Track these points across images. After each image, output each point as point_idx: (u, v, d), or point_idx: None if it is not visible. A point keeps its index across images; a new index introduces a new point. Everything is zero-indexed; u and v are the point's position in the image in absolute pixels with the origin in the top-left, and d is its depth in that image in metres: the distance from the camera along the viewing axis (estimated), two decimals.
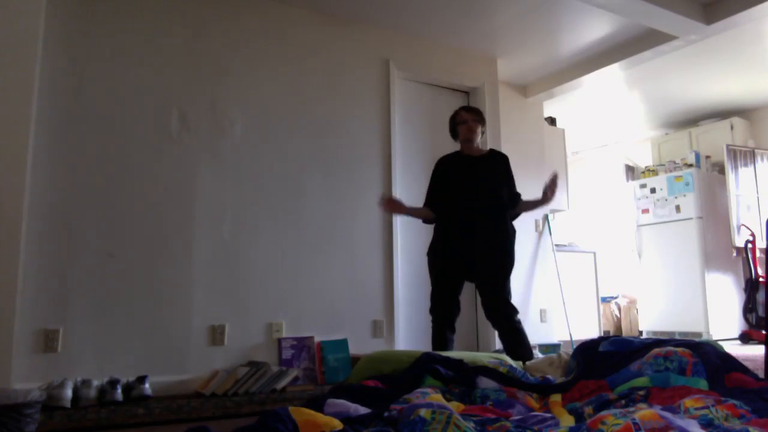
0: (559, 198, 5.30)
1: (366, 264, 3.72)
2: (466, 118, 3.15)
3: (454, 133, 3.26)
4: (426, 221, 3.25)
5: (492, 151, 3.27)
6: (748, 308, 5.28)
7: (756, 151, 5.89)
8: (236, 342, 3.22)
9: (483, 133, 3.23)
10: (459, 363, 2.41)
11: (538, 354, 3.75)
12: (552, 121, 5.58)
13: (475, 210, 3.04)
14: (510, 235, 3.09)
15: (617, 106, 5.96)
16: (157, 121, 3.19)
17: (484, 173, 3.12)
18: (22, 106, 2.61)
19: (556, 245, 5.05)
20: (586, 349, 2.46)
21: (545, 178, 4.97)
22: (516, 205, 3.19)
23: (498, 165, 3.17)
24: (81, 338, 2.84)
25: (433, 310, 3.09)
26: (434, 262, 3.11)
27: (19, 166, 2.57)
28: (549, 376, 2.44)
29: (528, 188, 4.90)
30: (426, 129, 4.21)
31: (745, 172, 5.80)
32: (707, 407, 1.59)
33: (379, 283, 3.75)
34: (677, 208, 5.75)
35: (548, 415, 1.81)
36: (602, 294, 5.74)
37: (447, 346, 3.03)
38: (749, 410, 1.58)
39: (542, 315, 4.72)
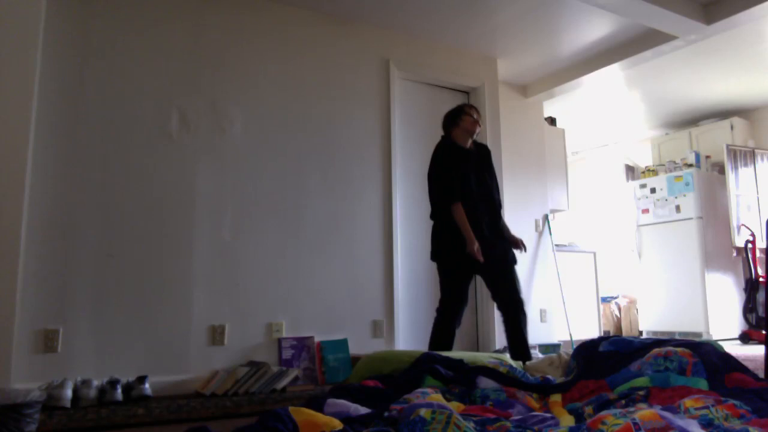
0: (560, 198, 5.31)
1: (366, 264, 3.72)
2: (475, 114, 3.21)
3: (454, 121, 3.21)
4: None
5: (479, 144, 3.32)
6: (748, 308, 5.28)
7: (756, 151, 5.89)
8: (236, 342, 3.22)
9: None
10: (459, 363, 2.42)
11: (538, 354, 3.75)
12: (552, 121, 5.58)
13: (484, 202, 3.12)
14: (505, 227, 3.26)
15: (617, 106, 5.96)
16: (157, 121, 3.19)
17: (483, 168, 3.21)
18: (22, 106, 2.61)
19: (556, 245, 5.05)
20: (586, 349, 2.46)
21: (545, 179, 5.03)
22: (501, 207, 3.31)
23: (488, 160, 3.29)
24: (81, 338, 2.84)
25: (450, 307, 3.06)
26: (458, 257, 3.05)
27: (19, 166, 2.58)
28: (549, 376, 2.44)
29: (529, 188, 4.94)
30: (426, 129, 4.21)
31: (745, 172, 5.80)
32: (707, 407, 1.59)
33: (379, 283, 3.75)
34: (677, 208, 5.75)
35: (548, 415, 1.81)
36: (602, 294, 5.74)
37: (452, 342, 3.07)
38: (749, 410, 1.58)
39: (542, 315, 4.72)
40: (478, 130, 3.23)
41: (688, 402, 1.65)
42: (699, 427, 1.42)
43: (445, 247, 3.11)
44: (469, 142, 3.24)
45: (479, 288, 4.19)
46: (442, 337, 3.06)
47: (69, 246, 2.88)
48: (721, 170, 5.86)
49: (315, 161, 3.65)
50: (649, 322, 5.88)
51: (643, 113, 6.21)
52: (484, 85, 4.44)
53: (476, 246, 2.98)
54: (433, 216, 3.20)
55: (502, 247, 3.11)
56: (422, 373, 2.29)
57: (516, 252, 3.18)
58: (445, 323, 3.06)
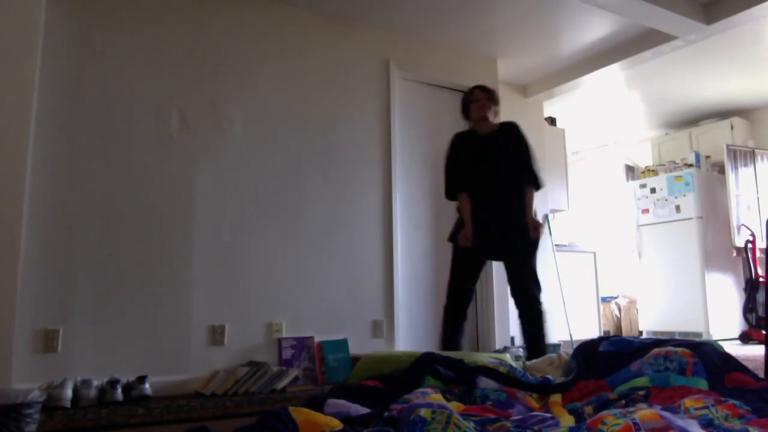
0: (560, 198, 5.31)
1: (366, 264, 3.72)
2: (479, 97, 3.21)
3: (466, 112, 3.28)
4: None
5: (501, 125, 3.25)
6: (748, 308, 5.28)
7: (756, 151, 5.89)
8: (236, 342, 3.22)
9: (497, 113, 3.27)
10: (459, 363, 2.42)
11: None
12: (552, 121, 5.58)
13: (494, 190, 3.13)
14: (525, 212, 3.11)
15: (617, 106, 5.96)
16: (157, 121, 3.19)
17: (499, 151, 3.17)
18: (22, 106, 2.61)
19: (556, 245, 5.05)
20: (586, 349, 2.46)
21: (545, 179, 5.01)
22: (534, 184, 3.15)
23: (510, 139, 3.17)
24: (81, 338, 2.84)
25: (454, 294, 3.13)
26: (463, 245, 3.11)
27: (19, 167, 2.58)
28: (549, 376, 2.44)
29: None
30: (426, 129, 4.21)
31: (745, 172, 5.80)
32: (707, 407, 1.59)
33: (379, 283, 3.75)
34: (677, 208, 5.75)
35: (548, 415, 1.81)
36: (602, 294, 5.74)
37: (459, 333, 3.12)
38: (749, 410, 1.58)
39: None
40: (490, 110, 3.18)
41: (688, 402, 1.65)
42: (699, 427, 1.42)
43: (454, 230, 3.23)
44: (488, 125, 3.21)
45: (480, 288, 4.18)
46: (446, 328, 3.13)
47: (69, 246, 2.88)
48: (721, 170, 5.86)
49: (315, 161, 3.65)
50: (649, 322, 5.88)
51: (643, 113, 6.21)
52: None
53: (469, 233, 3.07)
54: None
55: (514, 239, 3.10)
56: (422, 373, 2.30)
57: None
58: (449, 313, 3.14)
